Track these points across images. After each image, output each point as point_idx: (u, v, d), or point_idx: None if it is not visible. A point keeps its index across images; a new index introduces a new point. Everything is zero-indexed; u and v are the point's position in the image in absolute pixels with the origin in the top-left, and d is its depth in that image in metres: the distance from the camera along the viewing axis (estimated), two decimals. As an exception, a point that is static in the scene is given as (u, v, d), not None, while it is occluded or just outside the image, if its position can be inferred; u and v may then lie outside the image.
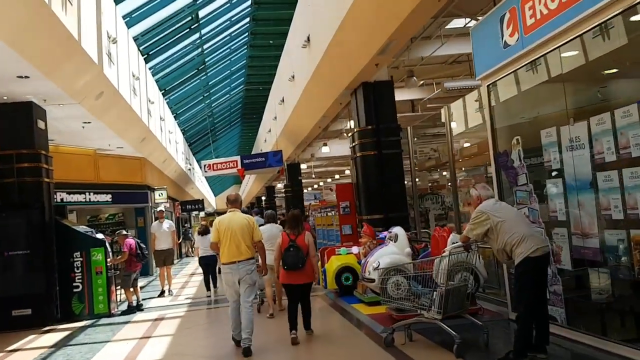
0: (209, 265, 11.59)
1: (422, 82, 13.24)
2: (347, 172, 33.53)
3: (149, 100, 15.67)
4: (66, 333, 8.49)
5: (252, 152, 32.44)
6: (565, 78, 5.32)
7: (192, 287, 13.52)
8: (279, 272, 6.76)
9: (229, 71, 23.60)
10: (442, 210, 25.83)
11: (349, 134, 11.47)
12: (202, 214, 39.72)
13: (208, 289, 11.69)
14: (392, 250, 6.76)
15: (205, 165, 17.64)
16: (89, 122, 11.84)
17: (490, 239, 5.02)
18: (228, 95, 27.93)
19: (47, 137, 10.32)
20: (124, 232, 10.30)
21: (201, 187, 40.21)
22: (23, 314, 9.06)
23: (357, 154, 10.91)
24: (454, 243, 6.38)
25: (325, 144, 20.25)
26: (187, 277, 16.39)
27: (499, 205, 5.13)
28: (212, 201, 56.94)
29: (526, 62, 5.65)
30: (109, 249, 10.10)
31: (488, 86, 6.59)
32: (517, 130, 6.20)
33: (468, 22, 10.78)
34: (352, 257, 9.22)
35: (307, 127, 16.02)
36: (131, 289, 10.22)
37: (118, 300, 10.71)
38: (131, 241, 10.00)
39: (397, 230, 6.93)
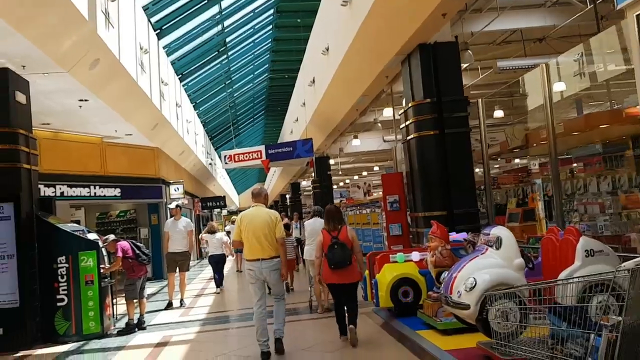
0: (218, 264, 12.34)
1: (464, 65, 11.11)
2: (376, 168, 31.44)
3: (162, 81, 13.73)
4: (40, 363, 6.52)
5: (277, 146, 30.46)
6: None
7: (209, 296, 11.49)
8: (319, 271, 6.43)
9: (252, 55, 21.56)
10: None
11: (400, 112, 9.32)
12: (224, 211, 38.05)
13: (217, 284, 12.32)
14: (494, 261, 4.57)
15: (225, 157, 15.64)
16: (85, 100, 9.90)
17: None
18: (251, 84, 25.97)
19: (29, 114, 8.36)
20: (112, 236, 8.26)
21: (223, 184, 38.36)
22: (-8, 334, 7.14)
23: (410, 135, 8.75)
24: (587, 251, 4.27)
25: (355, 137, 18.35)
26: (204, 282, 14.39)
27: None
28: (235, 199, 55.18)
29: None
30: (103, 253, 8.11)
31: (638, 16, 4.38)
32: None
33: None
34: (411, 266, 7.07)
35: (342, 111, 13.85)
36: (135, 301, 8.21)
37: (116, 314, 8.74)
38: (124, 244, 7.98)
39: (500, 231, 4.72)
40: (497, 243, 4.64)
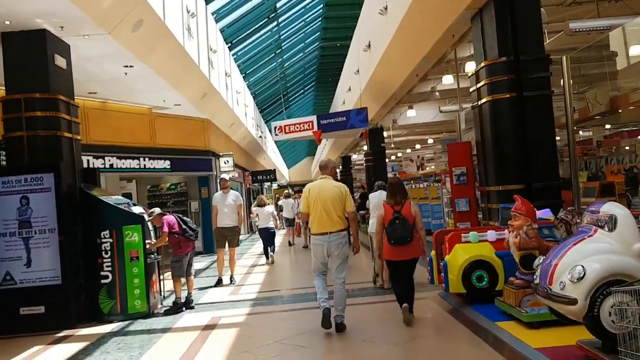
0: (267, 238, 12.44)
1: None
2: (431, 141, 30.19)
3: (211, 49, 13.14)
4: (79, 346, 6.07)
5: (328, 118, 29.59)
6: None
7: (260, 273, 10.98)
8: (380, 245, 6.09)
9: (302, 21, 20.70)
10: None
11: (470, 74, 8.34)
12: (274, 185, 37.74)
13: (267, 257, 12.47)
14: (606, 246, 3.69)
15: (275, 128, 14.99)
16: (131, 66, 9.41)
17: None
18: (302, 54, 25.16)
19: (71, 79, 7.89)
20: (158, 210, 7.75)
21: (274, 158, 38.00)
22: (34, 312, 6.78)
23: (482, 99, 7.79)
24: None
25: (411, 107, 17.35)
26: (255, 257, 13.94)
27: None
28: (285, 173, 54.95)
29: None
30: (149, 227, 7.63)
31: None
32: None
33: None
34: (487, 247, 6.22)
35: (400, 77, 12.87)
36: (183, 279, 7.72)
37: (163, 291, 8.31)
38: (171, 218, 7.46)
39: (613, 208, 3.83)
40: (610, 223, 3.75)
